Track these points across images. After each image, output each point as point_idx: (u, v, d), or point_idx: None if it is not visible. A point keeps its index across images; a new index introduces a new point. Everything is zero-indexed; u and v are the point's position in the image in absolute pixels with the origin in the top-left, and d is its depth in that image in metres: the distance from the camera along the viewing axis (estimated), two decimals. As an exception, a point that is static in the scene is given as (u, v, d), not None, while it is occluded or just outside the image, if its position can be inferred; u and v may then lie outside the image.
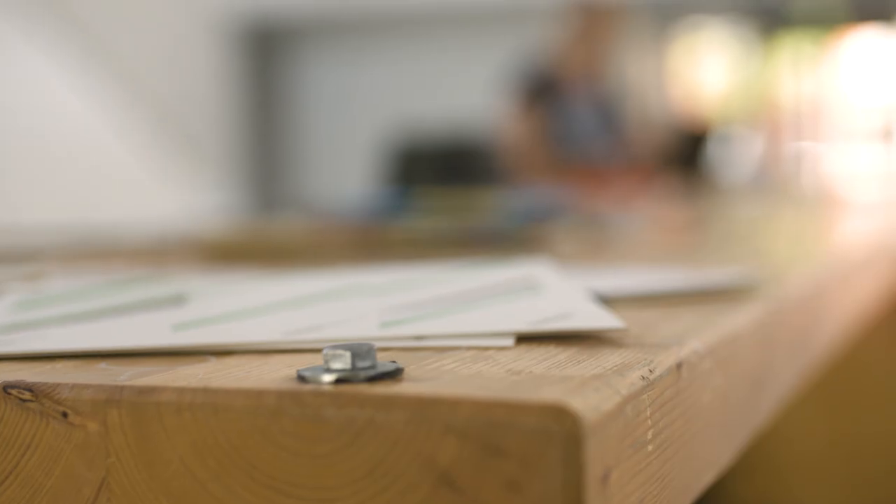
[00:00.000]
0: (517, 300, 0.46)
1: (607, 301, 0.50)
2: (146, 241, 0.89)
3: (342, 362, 0.34)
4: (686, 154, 2.70)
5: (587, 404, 0.30)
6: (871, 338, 1.34)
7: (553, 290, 0.48)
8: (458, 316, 0.44)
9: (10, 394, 0.35)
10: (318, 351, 0.39)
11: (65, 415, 0.34)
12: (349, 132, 8.47)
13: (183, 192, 6.01)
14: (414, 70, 8.32)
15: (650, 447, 0.35)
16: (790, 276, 0.64)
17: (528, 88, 2.77)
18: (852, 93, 9.73)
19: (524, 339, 0.41)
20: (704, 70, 10.37)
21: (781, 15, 9.19)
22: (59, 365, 0.39)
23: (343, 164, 8.48)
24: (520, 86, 2.78)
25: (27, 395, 0.35)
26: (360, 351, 0.34)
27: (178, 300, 0.50)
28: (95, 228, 0.96)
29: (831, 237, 1.10)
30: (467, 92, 8.09)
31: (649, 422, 0.35)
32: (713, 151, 2.83)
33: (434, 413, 0.30)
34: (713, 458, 0.43)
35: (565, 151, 2.80)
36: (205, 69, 7.53)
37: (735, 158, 2.91)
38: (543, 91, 2.80)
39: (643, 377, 0.35)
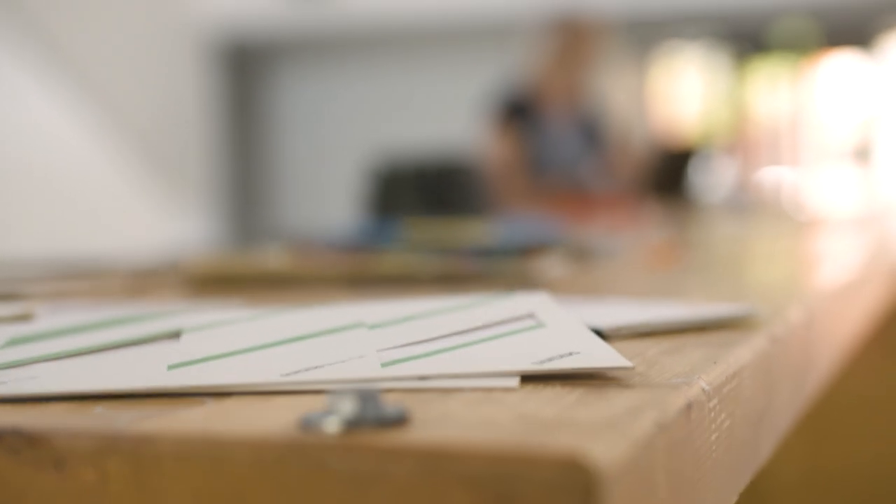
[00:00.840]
0: (520, 337, 0.46)
1: (608, 336, 0.50)
2: (132, 272, 0.88)
3: (347, 407, 0.33)
4: (668, 175, 2.71)
5: (602, 454, 0.29)
6: (851, 366, 1.34)
7: (556, 327, 0.47)
8: (461, 354, 0.43)
9: (1, 441, 0.34)
10: (319, 393, 0.38)
11: (60, 464, 0.33)
12: (329, 155, 8.46)
13: (161, 219, 5.98)
14: (394, 92, 8.34)
15: (663, 493, 0.34)
16: (787, 307, 0.64)
17: (505, 111, 2.78)
18: (827, 115, 9.84)
19: (529, 378, 0.40)
20: (683, 93, 10.45)
21: (758, 40, 9.30)
22: (53, 408, 0.37)
23: (323, 189, 8.48)
24: (497, 109, 2.79)
25: (20, 443, 0.34)
26: (365, 395, 0.33)
27: (172, 337, 0.49)
28: (78, 259, 0.94)
29: (820, 261, 1.10)
30: (449, 113, 8.11)
31: (662, 467, 0.34)
32: (694, 172, 2.84)
33: (444, 464, 0.29)
34: (720, 499, 0.42)
35: (546, 174, 2.80)
36: (183, 93, 7.51)
37: (714, 179, 2.93)
38: (521, 113, 2.80)
39: (656, 422, 0.34)
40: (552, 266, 0.93)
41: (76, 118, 5.63)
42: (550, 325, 0.48)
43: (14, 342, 0.48)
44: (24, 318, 0.60)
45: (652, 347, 0.48)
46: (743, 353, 0.48)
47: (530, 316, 0.49)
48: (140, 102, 6.78)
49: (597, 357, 0.41)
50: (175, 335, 0.49)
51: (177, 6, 7.41)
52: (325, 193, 8.43)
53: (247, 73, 8.62)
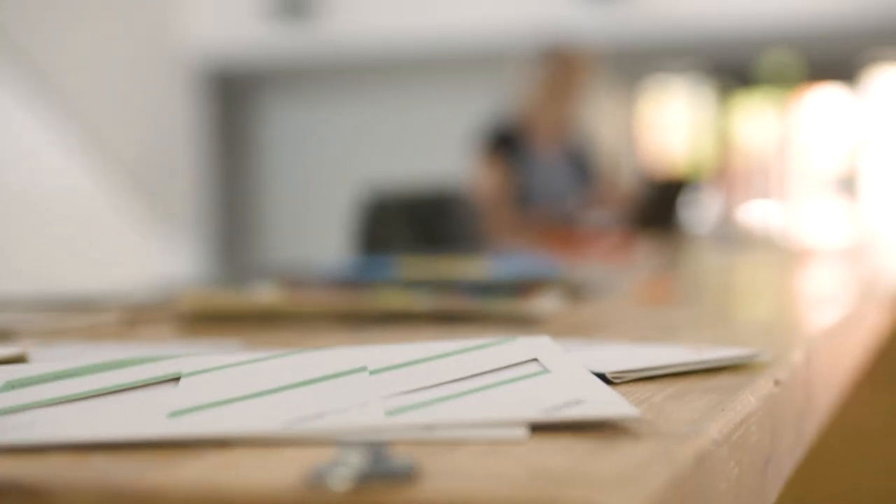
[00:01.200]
0: (525, 383, 0.45)
1: (612, 381, 0.49)
2: (125, 309, 0.87)
3: (355, 461, 0.32)
4: (656, 208, 2.71)
5: (619, 512, 0.29)
6: (845, 400, 1.34)
7: (560, 373, 0.47)
8: (467, 401, 0.42)
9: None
10: (323, 443, 0.38)
11: (60, 520, 0.32)
12: (317, 186, 8.46)
13: (147, 252, 5.95)
14: (383, 120, 8.36)
15: (676, 548, 0.33)
16: (787, 347, 0.63)
17: (493, 142, 2.78)
18: (812, 147, 9.95)
19: (537, 426, 0.39)
20: (670, 125, 10.55)
21: (743, 73, 9.40)
22: (52, 459, 0.37)
23: (311, 221, 8.47)
24: (486, 140, 2.79)
25: (19, 498, 0.33)
26: (373, 448, 0.33)
27: (171, 381, 0.48)
28: (67, 295, 0.94)
29: (812, 295, 1.10)
30: (438, 142, 8.14)
31: (675, 522, 0.33)
32: (682, 205, 2.84)
33: (458, 522, 0.29)
34: (729, 548, 0.42)
35: (535, 206, 2.80)
36: (170, 123, 7.51)
37: (701, 211, 2.94)
38: (510, 144, 2.80)
39: (668, 476, 0.33)
40: (547, 303, 0.93)
41: (61, 148, 5.61)
42: (555, 370, 0.47)
43: (10, 386, 0.47)
44: (18, 359, 0.59)
45: (657, 393, 0.48)
46: (749, 398, 0.47)
47: (534, 361, 0.49)
48: (126, 132, 6.78)
49: (604, 405, 0.41)
50: (174, 379, 0.48)
51: (164, 35, 7.43)
52: (313, 225, 8.43)
53: (235, 102, 8.64)
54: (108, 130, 6.39)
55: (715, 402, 0.45)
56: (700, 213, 2.89)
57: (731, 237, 2.81)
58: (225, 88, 8.49)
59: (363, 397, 0.43)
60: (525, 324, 0.86)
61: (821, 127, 9.99)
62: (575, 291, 1.01)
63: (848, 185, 9.22)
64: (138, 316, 0.86)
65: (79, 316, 0.82)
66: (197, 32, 7.55)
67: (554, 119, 2.87)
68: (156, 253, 5.89)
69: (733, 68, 9.36)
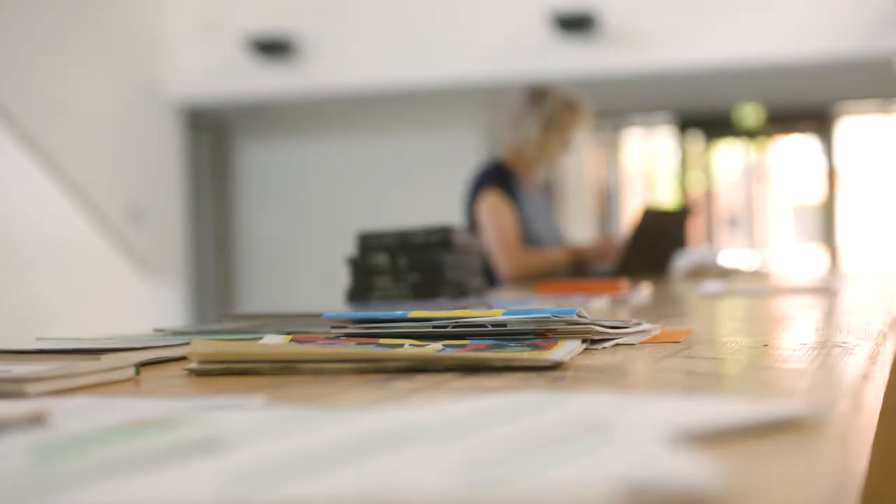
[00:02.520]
0: (602, 453, 0.42)
1: (682, 442, 0.47)
2: (136, 359, 0.83)
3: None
4: (644, 253, 2.71)
5: None
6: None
7: (626, 434, 0.44)
8: (541, 469, 0.40)
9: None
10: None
11: None
12: (302, 231, 8.43)
13: (131, 300, 5.86)
14: (368, 160, 8.36)
15: None
16: (833, 400, 0.61)
17: (500, 184, 2.77)
18: (786, 195, 10.17)
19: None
20: (650, 174, 10.68)
21: (719, 125, 9.56)
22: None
23: (295, 264, 8.43)
24: (492, 182, 2.77)
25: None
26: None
27: (211, 446, 0.45)
28: (68, 344, 0.90)
29: (823, 337, 1.09)
30: (426, 181, 8.14)
31: None
32: (667, 249, 2.85)
33: None
34: None
35: (536, 246, 2.80)
36: (152, 166, 7.47)
37: (685, 256, 2.94)
38: (510, 184, 2.80)
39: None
40: (566, 349, 0.91)
41: (42, 192, 5.54)
42: (620, 431, 0.45)
43: (44, 454, 0.44)
44: (38, 419, 0.56)
45: (728, 455, 0.45)
46: (827, 466, 0.45)
47: (595, 418, 0.46)
48: (106, 176, 6.73)
49: (689, 479, 0.38)
50: (214, 444, 0.46)
51: (146, 78, 7.41)
52: (296, 268, 8.39)
53: (217, 144, 8.61)
54: (89, 175, 6.33)
55: (788, 466, 0.43)
56: (684, 257, 2.90)
57: (717, 273, 2.80)
58: (209, 132, 8.46)
59: (429, 463, 0.41)
60: (546, 371, 0.84)
61: (794, 176, 10.18)
62: (590, 336, 0.98)
63: (821, 225, 9.35)
64: (149, 365, 0.83)
65: (87, 365, 0.79)
66: (178, 75, 7.54)
67: (545, 158, 2.86)
68: (137, 297, 5.82)
69: (709, 121, 9.52)
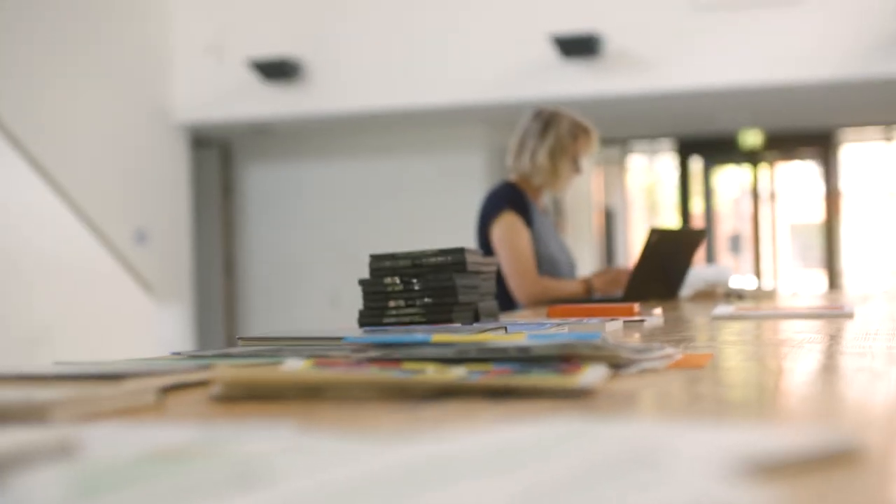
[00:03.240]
0: (652, 483, 0.41)
1: (736, 475, 0.46)
2: (156, 383, 0.82)
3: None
4: (651, 277, 2.70)
5: None
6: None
7: (679, 468, 0.43)
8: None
9: None
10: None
11: None
12: (307, 255, 8.41)
13: (143, 323, 5.84)
14: (372, 183, 8.35)
15: None
16: (876, 429, 0.60)
17: (515, 208, 2.76)
18: (786, 216, 10.21)
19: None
20: (655, 199, 10.69)
21: (723, 148, 9.60)
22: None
23: (298, 286, 8.41)
24: (508, 206, 2.76)
25: None
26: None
27: (252, 479, 0.44)
28: (91, 369, 0.89)
29: (837, 358, 1.07)
30: (434, 204, 8.13)
31: None
32: (679, 268, 2.83)
33: None
34: None
35: (551, 265, 2.79)
36: (157, 188, 7.47)
37: (692, 278, 2.93)
38: (524, 208, 2.79)
39: None
40: (592, 374, 0.89)
41: (53, 216, 5.52)
42: (676, 466, 0.43)
43: (87, 488, 0.43)
44: (67, 448, 0.54)
45: (787, 487, 0.44)
46: (880, 497, 0.44)
47: (651, 455, 0.45)
48: (115, 201, 6.73)
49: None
50: (256, 475, 0.44)
51: (151, 101, 7.42)
52: (305, 292, 8.37)
53: (224, 167, 8.61)
54: (96, 198, 6.33)
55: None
56: (691, 279, 2.88)
57: (725, 295, 2.79)
58: (213, 152, 8.46)
59: (477, 499, 0.39)
60: (573, 396, 0.82)
61: (793, 197, 10.20)
62: (615, 361, 0.97)
63: (823, 248, 9.35)
64: (170, 390, 0.81)
65: (111, 390, 0.78)
66: (184, 99, 7.55)
67: (555, 184, 2.85)
68: (144, 319, 5.80)
69: (712, 146, 9.57)
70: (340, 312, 8.11)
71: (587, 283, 2.78)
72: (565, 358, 0.98)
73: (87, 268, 5.58)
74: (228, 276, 8.54)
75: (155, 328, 6.03)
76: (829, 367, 1.07)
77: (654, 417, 0.64)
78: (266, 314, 8.47)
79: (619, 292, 2.71)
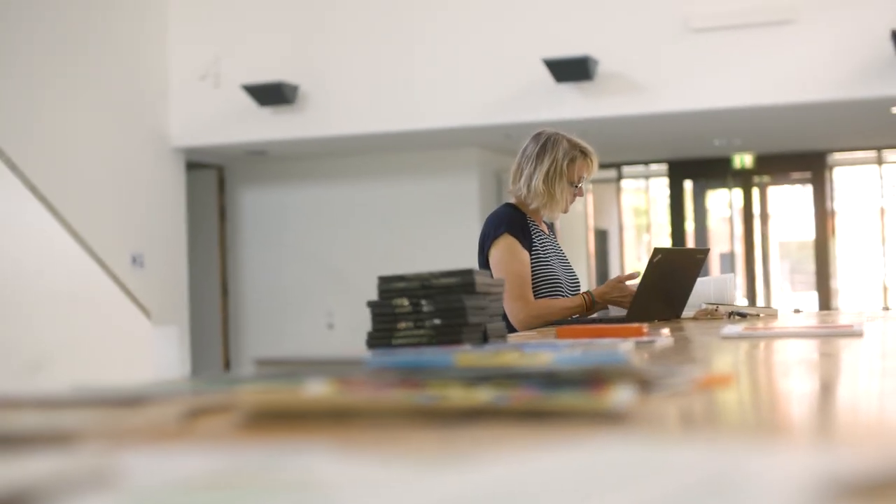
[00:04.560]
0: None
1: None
2: (181, 406, 0.80)
3: None
4: (661, 291, 2.68)
5: None
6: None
7: (759, 496, 0.41)
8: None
9: None
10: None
11: None
12: (300, 275, 8.38)
13: (139, 346, 5.78)
14: (366, 205, 8.33)
15: None
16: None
17: (513, 227, 2.73)
18: (778, 237, 10.25)
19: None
20: (646, 214, 10.71)
21: (715, 173, 9.65)
22: None
23: (294, 309, 8.37)
24: (505, 225, 2.74)
25: None
26: None
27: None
28: (113, 392, 0.87)
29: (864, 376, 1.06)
30: (425, 233, 8.12)
31: None
32: (684, 287, 2.82)
33: None
34: None
35: (554, 284, 2.77)
36: (152, 212, 7.44)
37: (694, 296, 2.91)
38: (524, 229, 2.77)
39: None
40: (623, 396, 0.88)
41: (50, 241, 5.46)
42: (755, 494, 0.41)
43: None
44: (103, 477, 0.52)
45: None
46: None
47: (726, 483, 0.43)
48: (111, 226, 6.70)
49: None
50: (317, 501, 0.42)
51: (146, 126, 7.40)
52: (301, 315, 8.33)
53: (220, 192, 8.59)
54: (92, 222, 6.30)
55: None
56: (693, 297, 2.87)
57: (729, 314, 2.78)
58: (208, 177, 8.44)
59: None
60: (605, 419, 0.81)
61: (785, 218, 10.23)
62: (644, 382, 0.95)
63: (816, 268, 9.38)
64: (194, 413, 0.79)
65: (132, 414, 0.76)
66: (181, 124, 7.54)
67: (552, 208, 2.83)
68: (140, 343, 5.74)
69: (705, 169, 9.61)
70: (335, 334, 8.07)
71: (587, 296, 2.75)
72: (591, 379, 0.96)
73: (84, 291, 5.54)
74: (224, 298, 8.50)
75: (151, 351, 5.98)
76: (863, 387, 1.06)
77: (710, 440, 0.63)
78: (262, 336, 8.42)
79: (624, 301, 2.69)
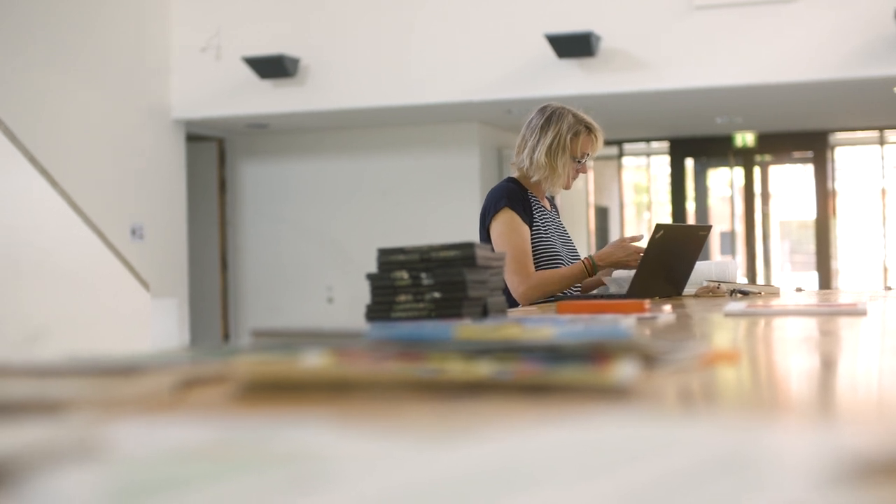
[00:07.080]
0: (747, 492, 0.37)
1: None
2: (172, 374, 0.78)
3: None
4: (662, 267, 2.66)
5: None
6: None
7: (771, 474, 0.39)
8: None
9: None
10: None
11: None
12: (306, 251, 8.36)
13: (138, 317, 5.77)
14: (367, 180, 8.31)
15: None
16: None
17: (515, 203, 2.71)
18: (780, 214, 10.21)
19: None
20: (652, 199, 10.66)
21: (716, 151, 9.60)
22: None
23: (293, 281, 8.35)
24: (508, 201, 2.72)
25: None
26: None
27: (307, 481, 0.40)
28: (104, 361, 0.85)
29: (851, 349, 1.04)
30: (436, 199, 8.09)
31: None
32: (686, 264, 2.80)
33: None
34: None
35: (554, 259, 2.75)
36: (153, 185, 7.42)
37: (695, 273, 2.89)
38: (525, 203, 2.75)
39: None
40: (627, 371, 0.86)
41: (49, 212, 5.44)
42: (767, 472, 0.40)
43: (126, 493, 0.39)
44: (93, 447, 0.50)
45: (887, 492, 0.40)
46: None
47: (737, 460, 0.41)
48: (111, 198, 6.68)
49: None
50: (308, 477, 0.40)
51: (148, 100, 7.36)
52: (300, 287, 8.32)
53: (221, 164, 8.56)
54: (92, 194, 6.27)
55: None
56: (694, 274, 2.85)
57: (730, 291, 2.76)
58: (209, 149, 8.41)
59: None
60: (609, 394, 0.79)
61: (787, 196, 10.18)
62: (648, 357, 0.94)
63: (817, 246, 9.35)
64: (189, 383, 0.77)
65: (125, 383, 0.74)
66: (181, 96, 7.50)
67: (555, 182, 2.80)
68: (139, 314, 5.74)
69: (706, 147, 9.56)
70: (335, 308, 8.06)
71: (587, 261, 2.72)
72: (594, 354, 0.94)
73: (84, 263, 5.53)
74: (224, 271, 8.49)
75: (150, 323, 5.98)
76: (870, 364, 1.04)
77: (717, 417, 0.61)
78: (261, 310, 8.42)
79: (630, 261, 2.66)
